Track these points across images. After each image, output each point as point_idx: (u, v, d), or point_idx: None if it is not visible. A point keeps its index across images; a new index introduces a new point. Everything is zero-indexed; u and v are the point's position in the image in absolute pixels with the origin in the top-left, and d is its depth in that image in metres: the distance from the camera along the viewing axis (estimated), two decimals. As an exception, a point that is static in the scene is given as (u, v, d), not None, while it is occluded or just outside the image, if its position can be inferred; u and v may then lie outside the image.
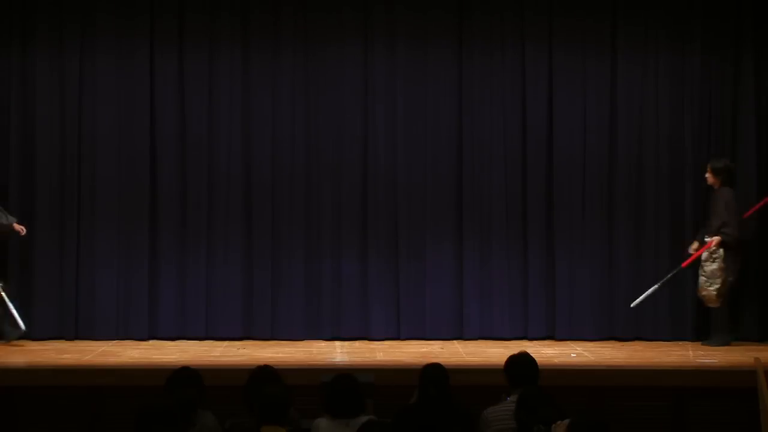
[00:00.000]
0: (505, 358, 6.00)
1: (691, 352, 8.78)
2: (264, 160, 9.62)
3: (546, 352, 8.59)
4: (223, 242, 9.55)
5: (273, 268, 9.54)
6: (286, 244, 9.57)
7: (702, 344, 9.06)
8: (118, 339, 9.21)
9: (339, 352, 8.82)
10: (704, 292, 9.03)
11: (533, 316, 9.56)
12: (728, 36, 9.61)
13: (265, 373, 5.91)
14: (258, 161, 9.62)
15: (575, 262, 9.55)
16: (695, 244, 9.15)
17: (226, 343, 9.21)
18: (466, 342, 9.33)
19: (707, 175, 9.13)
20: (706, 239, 9.05)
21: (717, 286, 8.97)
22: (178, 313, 9.49)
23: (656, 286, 9.12)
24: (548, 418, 4.85)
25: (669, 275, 9.13)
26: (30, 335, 9.08)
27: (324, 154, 9.64)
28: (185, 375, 5.67)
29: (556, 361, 8.22)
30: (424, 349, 8.89)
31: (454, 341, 9.34)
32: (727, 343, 8.98)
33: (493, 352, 8.57)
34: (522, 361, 5.93)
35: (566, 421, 4.65)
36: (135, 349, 8.82)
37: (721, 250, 8.96)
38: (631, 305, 9.14)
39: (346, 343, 9.29)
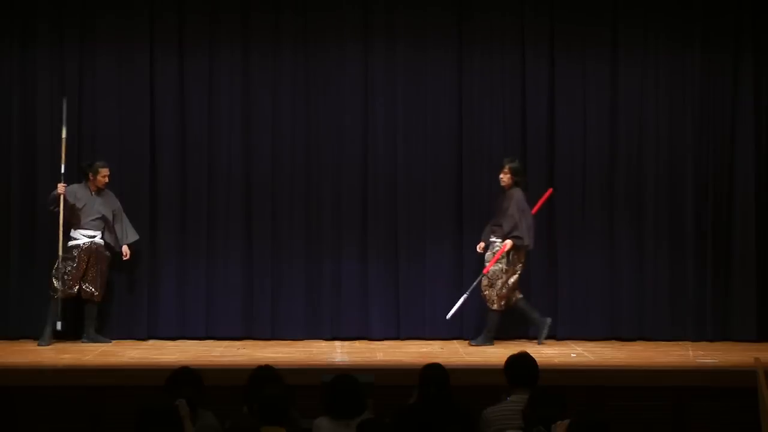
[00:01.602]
0: (505, 358, 6.00)
1: (691, 352, 8.79)
2: (264, 159, 9.62)
3: (546, 352, 8.59)
4: (223, 242, 9.56)
5: (273, 268, 9.55)
6: (286, 244, 9.58)
7: (470, 344, 9.02)
8: (118, 339, 9.21)
9: (339, 352, 8.81)
10: (486, 292, 8.98)
11: (533, 316, 9.56)
12: (728, 36, 9.62)
13: (265, 373, 5.91)
14: (258, 161, 9.63)
15: (575, 262, 9.57)
16: (482, 244, 9.12)
17: (226, 343, 9.21)
18: (466, 342, 9.32)
19: (504, 175, 9.01)
20: (492, 239, 9.01)
21: (498, 288, 8.93)
22: (178, 313, 9.50)
23: (465, 294, 9.01)
24: (557, 418, 4.85)
25: (474, 283, 9.02)
26: (30, 335, 9.12)
27: (324, 154, 9.65)
28: (185, 375, 5.67)
29: (556, 361, 8.21)
30: (424, 349, 8.89)
31: (454, 341, 9.34)
32: (491, 343, 8.98)
33: (493, 352, 8.57)
34: (522, 361, 5.92)
35: (566, 422, 4.65)
36: (135, 349, 8.82)
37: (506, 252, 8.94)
38: (447, 317, 9.05)
39: (346, 343, 9.30)
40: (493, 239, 9.04)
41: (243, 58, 9.64)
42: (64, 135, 8.91)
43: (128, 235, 9.21)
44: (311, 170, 9.64)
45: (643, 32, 9.65)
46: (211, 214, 9.58)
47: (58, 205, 8.94)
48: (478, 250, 9.17)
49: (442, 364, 6.10)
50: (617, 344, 9.26)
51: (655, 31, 9.65)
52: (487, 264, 9.00)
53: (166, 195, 9.56)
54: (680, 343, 9.28)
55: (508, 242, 8.89)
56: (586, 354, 8.67)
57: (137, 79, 9.53)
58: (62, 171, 8.93)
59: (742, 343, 9.16)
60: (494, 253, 8.97)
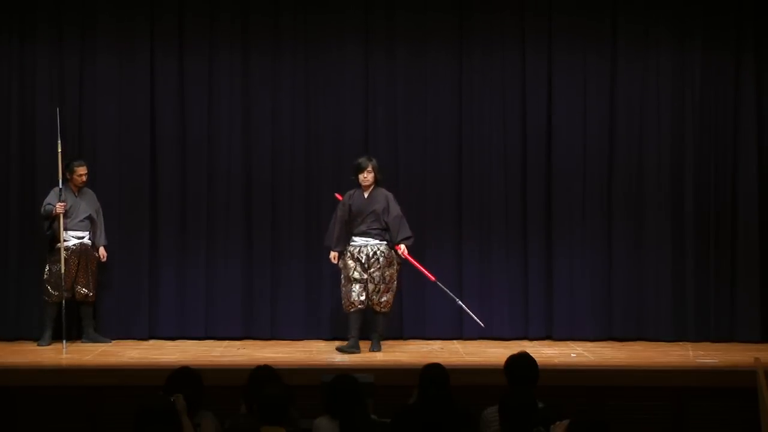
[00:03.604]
0: (505, 358, 6.00)
1: (691, 352, 8.79)
2: (264, 160, 9.63)
3: (546, 352, 8.60)
4: (223, 242, 9.56)
5: (273, 268, 9.55)
6: (286, 244, 9.58)
7: (372, 350, 8.62)
8: (118, 339, 9.21)
9: (339, 352, 8.80)
10: (384, 298, 8.62)
11: (533, 316, 9.56)
12: (729, 33, 9.60)
13: (265, 373, 5.91)
14: (258, 161, 9.63)
15: (575, 261, 9.56)
16: (335, 253, 8.72)
17: (226, 343, 9.21)
18: (466, 342, 9.33)
19: (369, 174, 8.71)
20: (372, 241, 8.64)
21: (393, 292, 8.69)
22: (178, 313, 9.50)
23: (459, 302, 8.89)
24: (537, 421, 4.85)
25: (447, 291, 8.84)
26: (29, 336, 9.13)
27: (324, 155, 9.64)
28: (185, 375, 5.67)
29: (556, 361, 8.21)
30: (424, 349, 8.89)
31: (454, 341, 9.34)
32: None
33: (493, 352, 8.57)
34: (522, 361, 5.92)
35: (566, 422, 4.65)
36: (135, 349, 8.83)
37: (393, 253, 8.69)
38: (483, 325, 8.94)
39: (346, 343, 9.29)
40: (373, 242, 8.67)
41: (243, 59, 9.64)
42: (59, 149, 8.78)
43: (103, 237, 9.19)
44: (311, 171, 9.64)
45: (644, 28, 9.64)
46: (211, 215, 9.58)
47: (51, 227, 8.86)
48: (332, 260, 8.78)
49: (442, 364, 6.10)
50: (617, 344, 9.26)
51: (656, 27, 9.62)
52: (378, 274, 8.61)
53: (166, 195, 9.56)
54: (680, 343, 9.28)
55: (404, 246, 8.66)
56: (586, 354, 8.67)
57: (137, 78, 9.53)
58: (60, 185, 8.87)
59: (744, 344, 9.14)
60: (387, 258, 8.63)
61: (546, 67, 9.64)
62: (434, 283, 8.94)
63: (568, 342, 9.30)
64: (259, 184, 9.62)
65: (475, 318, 8.91)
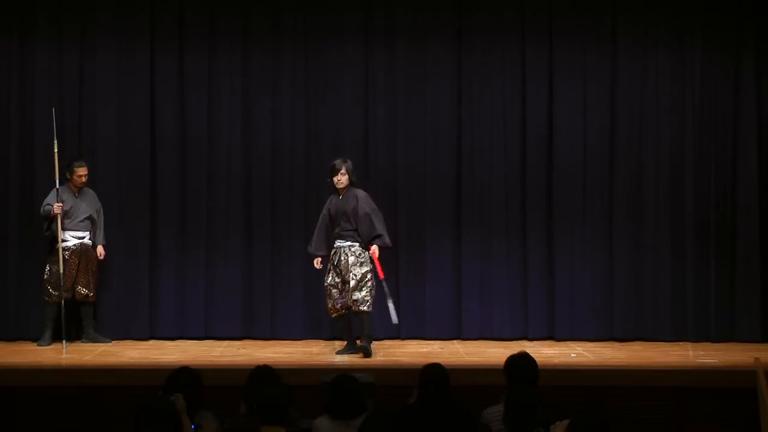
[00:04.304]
0: (505, 358, 6.00)
1: (691, 352, 8.79)
2: (264, 160, 9.63)
3: (546, 352, 8.60)
4: (223, 242, 9.57)
5: (273, 268, 9.55)
6: (285, 244, 9.58)
7: (363, 356, 8.31)
8: (118, 339, 9.21)
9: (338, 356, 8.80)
10: (356, 296, 8.38)
11: (533, 316, 9.55)
12: (729, 33, 9.60)
13: (264, 373, 5.91)
14: (258, 161, 9.64)
15: (575, 262, 9.55)
16: (319, 258, 8.64)
17: (226, 343, 9.21)
18: (466, 342, 9.33)
19: (342, 177, 8.59)
20: (344, 243, 8.49)
21: (369, 289, 8.46)
22: (178, 313, 9.50)
23: (390, 300, 8.53)
24: (537, 421, 4.85)
25: (386, 289, 8.49)
26: (28, 337, 9.13)
27: (323, 155, 9.62)
28: (185, 375, 5.67)
29: (556, 361, 8.21)
30: (424, 349, 8.89)
31: (454, 341, 9.35)
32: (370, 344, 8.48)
33: (493, 352, 8.57)
34: (522, 361, 5.93)
35: (566, 422, 4.64)
36: (135, 349, 8.83)
37: (367, 253, 8.49)
38: (395, 322, 8.64)
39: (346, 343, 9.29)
40: (345, 243, 8.50)
41: (243, 59, 9.64)
42: (56, 149, 8.77)
43: (102, 236, 9.19)
44: (311, 171, 9.64)
45: (644, 28, 9.64)
46: (211, 215, 9.58)
47: (50, 227, 8.86)
48: (316, 265, 8.69)
49: (442, 364, 6.10)
50: (617, 344, 9.26)
51: (656, 27, 9.62)
52: (349, 274, 8.40)
53: (166, 195, 9.57)
54: (680, 343, 9.27)
55: (375, 248, 8.46)
56: (586, 354, 8.66)
57: (137, 79, 9.53)
58: (57, 185, 8.86)
59: (744, 344, 9.14)
60: (358, 257, 8.44)
61: (546, 67, 9.65)
62: (381, 280, 8.76)
63: (568, 342, 9.30)
64: (259, 184, 9.63)
65: (392, 314, 8.55)
